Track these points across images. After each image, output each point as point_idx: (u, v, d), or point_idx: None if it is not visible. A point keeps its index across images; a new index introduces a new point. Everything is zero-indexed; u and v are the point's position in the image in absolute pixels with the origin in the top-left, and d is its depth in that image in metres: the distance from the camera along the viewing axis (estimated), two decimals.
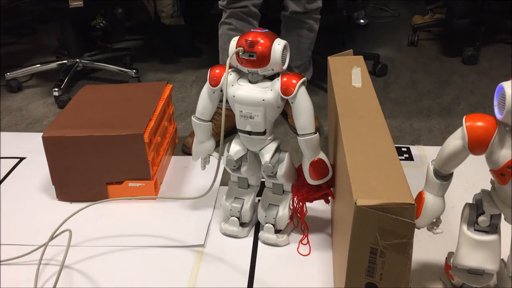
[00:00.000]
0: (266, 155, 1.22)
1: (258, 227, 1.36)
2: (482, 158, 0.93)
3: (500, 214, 0.98)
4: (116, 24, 2.83)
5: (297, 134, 1.18)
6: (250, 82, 1.18)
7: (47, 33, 3.18)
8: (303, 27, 1.85)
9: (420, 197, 1.01)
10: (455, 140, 0.93)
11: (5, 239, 1.35)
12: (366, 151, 0.99)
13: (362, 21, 3.22)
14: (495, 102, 0.88)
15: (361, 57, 1.45)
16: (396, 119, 1.99)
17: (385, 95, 2.22)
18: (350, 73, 1.35)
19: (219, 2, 1.77)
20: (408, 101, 2.15)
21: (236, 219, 1.32)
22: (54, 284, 1.15)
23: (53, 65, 2.42)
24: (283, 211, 1.28)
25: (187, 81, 2.45)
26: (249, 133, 1.21)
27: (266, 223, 1.30)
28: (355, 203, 0.83)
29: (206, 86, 1.23)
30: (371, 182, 0.89)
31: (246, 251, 1.29)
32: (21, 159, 1.75)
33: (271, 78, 1.18)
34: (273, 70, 1.15)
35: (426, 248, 1.25)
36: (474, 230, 1.00)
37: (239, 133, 1.24)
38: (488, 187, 1.00)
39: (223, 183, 1.57)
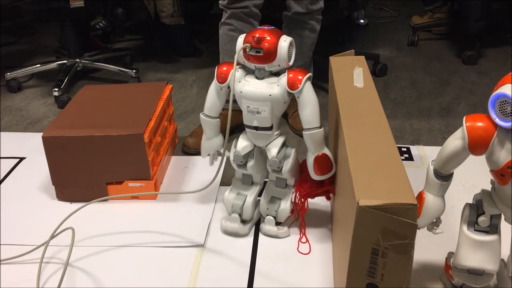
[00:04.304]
0: (273, 150, 1.23)
1: (258, 227, 1.36)
2: (482, 158, 0.93)
3: (500, 214, 0.98)
4: (116, 24, 2.83)
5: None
6: (257, 78, 1.21)
7: (47, 33, 3.18)
8: (305, 27, 1.85)
9: (420, 197, 1.01)
10: (455, 140, 0.93)
11: (5, 239, 1.35)
12: (368, 151, 0.99)
13: (362, 21, 3.22)
14: (493, 114, 0.87)
15: (363, 57, 1.45)
16: (396, 119, 1.99)
17: (385, 95, 2.22)
18: (352, 73, 1.35)
19: (220, 2, 1.77)
20: (408, 101, 2.15)
21: (237, 215, 1.32)
22: (58, 284, 1.15)
23: (53, 65, 2.41)
24: (285, 205, 1.29)
25: (187, 81, 2.44)
26: (256, 128, 1.23)
27: (267, 215, 1.30)
28: (357, 203, 0.83)
29: (214, 83, 1.25)
30: (373, 182, 0.89)
31: (246, 250, 1.29)
32: (21, 159, 1.75)
33: (277, 74, 1.21)
34: (279, 66, 1.19)
35: (426, 248, 1.25)
36: (474, 230, 1.00)
37: (246, 128, 1.26)
38: (488, 187, 1.00)
39: (223, 183, 1.57)
